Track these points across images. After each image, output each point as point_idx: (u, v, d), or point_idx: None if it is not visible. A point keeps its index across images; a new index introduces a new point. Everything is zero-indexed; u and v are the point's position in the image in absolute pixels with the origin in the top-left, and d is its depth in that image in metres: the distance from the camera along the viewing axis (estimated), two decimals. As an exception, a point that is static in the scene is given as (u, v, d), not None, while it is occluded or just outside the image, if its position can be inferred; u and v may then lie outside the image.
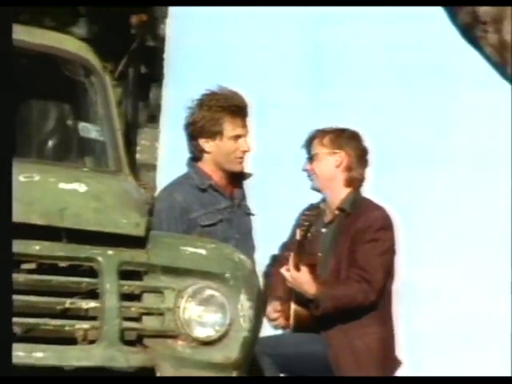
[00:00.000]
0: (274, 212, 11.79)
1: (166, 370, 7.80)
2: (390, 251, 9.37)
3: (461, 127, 13.66)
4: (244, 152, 9.67)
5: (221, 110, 9.73)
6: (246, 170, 9.93)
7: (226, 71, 12.51)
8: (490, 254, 14.35)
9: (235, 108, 9.75)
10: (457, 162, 13.82)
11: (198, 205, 9.49)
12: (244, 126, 9.75)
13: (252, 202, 10.09)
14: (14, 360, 7.56)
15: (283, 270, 9.28)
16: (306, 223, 9.35)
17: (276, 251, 9.98)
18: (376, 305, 9.20)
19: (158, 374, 7.87)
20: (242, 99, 9.89)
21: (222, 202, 9.61)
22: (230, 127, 9.63)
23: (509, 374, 10.47)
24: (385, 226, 9.38)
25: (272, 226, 10.89)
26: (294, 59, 14.40)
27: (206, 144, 9.73)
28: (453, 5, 10.63)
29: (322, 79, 14.56)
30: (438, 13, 10.88)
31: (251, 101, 10.04)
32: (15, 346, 7.61)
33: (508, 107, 11.80)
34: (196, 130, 9.78)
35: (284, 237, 10.05)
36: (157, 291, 7.94)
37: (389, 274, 9.33)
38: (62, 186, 8.22)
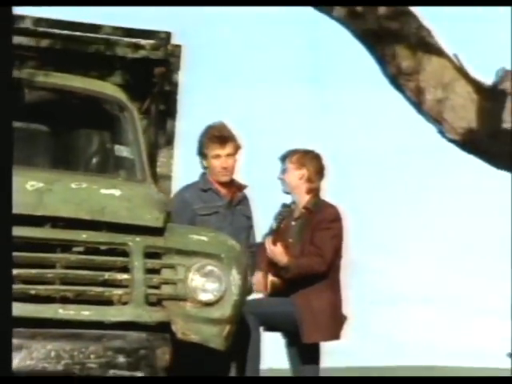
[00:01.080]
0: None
1: (178, 324, 7.83)
2: (339, 236, 9.45)
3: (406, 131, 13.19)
4: (223, 168, 9.71)
5: (206, 137, 9.80)
6: (243, 181, 10.04)
7: (222, 111, 12.31)
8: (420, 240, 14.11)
9: (215, 136, 9.75)
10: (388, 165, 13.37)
11: (199, 200, 9.54)
12: (223, 148, 9.71)
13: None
14: (67, 317, 7.80)
15: (266, 243, 9.43)
16: (280, 217, 9.52)
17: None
18: (327, 275, 9.27)
19: (173, 327, 7.92)
20: (223, 129, 9.89)
21: (218, 201, 9.65)
22: (210, 150, 9.69)
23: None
24: (335, 219, 9.48)
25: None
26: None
27: (203, 162, 9.83)
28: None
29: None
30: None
31: (237, 130, 10.00)
32: (68, 306, 7.83)
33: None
34: (199, 153, 9.88)
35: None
36: (171, 267, 8.08)
37: (337, 252, 9.40)
38: (103, 191, 8.32)
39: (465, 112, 10.21)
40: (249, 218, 9.92)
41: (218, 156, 9.63)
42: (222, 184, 9.70)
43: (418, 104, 10.31)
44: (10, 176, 7.16)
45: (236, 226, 9.57)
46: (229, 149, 9.69)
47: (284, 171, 9.62)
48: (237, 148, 9.79)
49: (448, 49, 10.39)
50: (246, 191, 10.00)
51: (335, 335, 9.27)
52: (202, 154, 9.83)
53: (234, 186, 9.82)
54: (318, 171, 9.57)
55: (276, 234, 9.42)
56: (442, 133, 10.35)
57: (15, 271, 7.71)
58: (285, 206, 9.64)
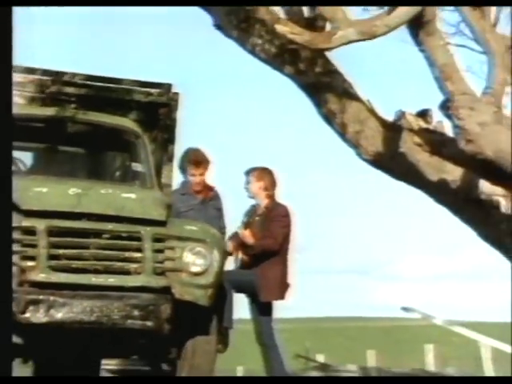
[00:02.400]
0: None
1: (176, 288, 7.84)
2: (288, 226, 9.47)
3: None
4: (196, 183, 9.72)
5: (186, 160, 9.77)
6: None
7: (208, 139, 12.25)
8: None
9: (192, 159, 9.72)
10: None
11: (180, 201, 9.42)
12: (197, 169, 9.72)
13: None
14: (97, 283, 7.79)
15: (239, 231, 9.54)
16: (249, 214, 9.64)
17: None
18: (279, 254, 9.31)
19: (173, 290, 7.87)
20: (198, 154, 9.86)
21: (193, 200, 9.61)
22: (188, 169, 9.68)
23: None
24: (285, 214, 9.50)
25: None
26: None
27: (182, 175, 9.86)
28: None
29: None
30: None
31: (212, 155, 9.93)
32: (98, 275, 7.81)
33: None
34: (179, 168, 9.91)
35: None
36: (172, 248, 8.02)
37: (286, 238, 9.41)
38: (123, 195, 8.31)
39: (374, 140, 10.27)
40: (219, 209, 9.85)
41: (193, 175, 9.67)
42: (197, 191, 9.79)
43: (342, 134, 10.39)
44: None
45: (208, 216, 9.41)
46: (201, 170, 9.71)
47: (248, 183, 9.60)
48: (207, 167, 9.79)
49: (363, 96, 10.36)
50: (219, 189, 9.98)
51: (282, 296, 9.31)
52: (182, 169, 9.84)
53: (206, 188, 9.81)
54: (273, 183, 9.58)
55: (246, 225, 9.52)
56: (359, 155, 10.41)
57: (62, 251, 7.75)
58: (252, 206, 9.70)
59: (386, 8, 9.18)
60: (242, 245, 9.50)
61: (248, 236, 9.38)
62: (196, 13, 10.20)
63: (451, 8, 9.51)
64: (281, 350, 9.19)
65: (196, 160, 9.72)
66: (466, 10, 9.39)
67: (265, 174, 9.62)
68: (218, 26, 10.16)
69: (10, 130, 6.02)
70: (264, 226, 9.49)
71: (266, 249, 9.33)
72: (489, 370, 14.93)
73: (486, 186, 9.76)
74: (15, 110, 9.43)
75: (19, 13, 6.84)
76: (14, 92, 9.62)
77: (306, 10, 9.90)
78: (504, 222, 9.81)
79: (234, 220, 9.95)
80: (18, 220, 7.54)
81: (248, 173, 9.65)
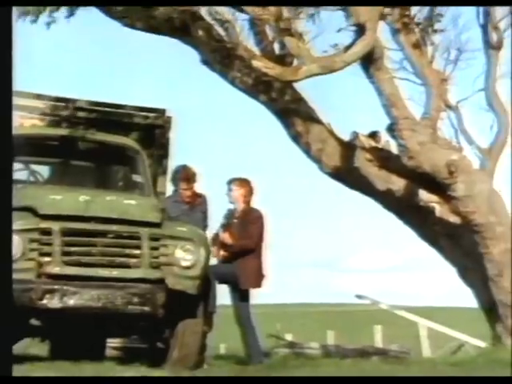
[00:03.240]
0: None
1: (169, 279, 7.71)
2: (261, 228, 9.12)
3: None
4: (186, 196, 9.34)
5: (177, 176, 9.38)
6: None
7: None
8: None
9: (182, 176, 9.32)
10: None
11: (171, 207, 9.02)
12: (187, 184, 9.33)
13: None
14: (104, 275, 7.64)
15: (219, 232, 9.18)
16: (228, 217, 9.30)
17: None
18: (255, 250, 9.00)
19: (166, 281, 7.77)
20: (188, 171, 9.49)
21: (183, 206, 9.22)
22: (179, 184, 9.30)
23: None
24: (259, 217, 9.16)
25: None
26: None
27: (174, 187, 9.45)
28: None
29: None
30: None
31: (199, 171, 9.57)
32: (104, 268, 7.65)
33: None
34: (172, 181, 9.58)
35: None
36: (165, 246, 7.86)
37: (261, 237, 9.09)
38: (125, 201, 8.18)
39: (333, 157, 10.23)
40: (204, 212, 9.49)
41: (184, 189, 9.32)
42: (187, 200, 9.38)
43: (307, 152, 10.39)
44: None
45: (195, 219, 9.07)
46: (190, 184, 9.39)
47: (229, 190, 9.27)
48: (195, 180, 9.43)
49: (324, 120, 10.30)
50: (206, 195, 9.60)
51: (258, 285, 9.10)
52: (174, 183, 9.52)
53: (195, 196, 9.44)
54: (250, 190, 9.25)
55: (225, 226, 9.22)
56: (321, 168, 10.38)
57: (73, 248, 7.65)
58: (230, 210, 9.37)
59: (341, 48, 9.15)
60: (222, 244, 9.19)
61: (227, 238, 9.08)
62: (187, 50, 10.24)
63: (396, 47, 9.56)
64: (256, 331, 9.02)
65: (186, 177, 9.44)
66: (409, 50, 9.46)
67: (244, 183, 9.31)
68: (205, 62, 10.19)
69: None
70: (241, 227, 9.16)
71: (245, 248, 9.05)
72: (425, 347, 14.94)
73: (423, 195, 9.72)
74: (35, 131, 9.45)
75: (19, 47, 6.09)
76: (34, 115, 9.61)
77: (276, 48, 9.83)
78: (438, 225, 9.84)
79: (216, 220, 9.57)
80: (36, 222, 7.58)
81: (230, 182, 9.35)
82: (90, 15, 9.73)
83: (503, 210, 9.29)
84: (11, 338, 4.93)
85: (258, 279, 9.03)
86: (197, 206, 9.45)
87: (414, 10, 9.71)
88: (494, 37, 9.70)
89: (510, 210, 9.58)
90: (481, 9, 9.73)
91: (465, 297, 9.89)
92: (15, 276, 6.97)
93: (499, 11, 9.59)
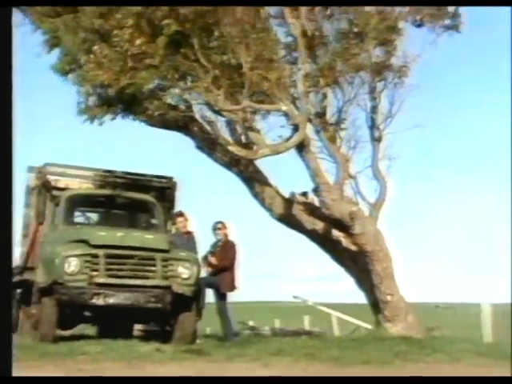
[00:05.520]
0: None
1: (174, 286, 7.69)
2: (235, 253, 8.68)
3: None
4: (183, 232, 8.92)
5: (175, 216, 9.15)
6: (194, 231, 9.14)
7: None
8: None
9: (180, 219, 9.02)
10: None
11: (176, 240, 8.48)
12: (182, 223, 8.97)
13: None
14: (131, 283, 7.46)
15: (208, 256, 8.72)
16: (214, 246, 8.84)
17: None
18: (230, 268, 8.56)
19: (172, 288, 7.63)
20: (184, 215, 9.06)
21: (182, 238, 8.74)
22: (177, 222, 9.05)
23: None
24: (233, 246, 8.72)
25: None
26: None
27: (174, 224, 9.18)
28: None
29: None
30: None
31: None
32: (132, 279, 7.47)
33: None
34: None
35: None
36: (172, 265, 7.81)
37: (234, 259, 8.65)
38: (146, 236, 8.18)
39: (279, 208, 9.97)
40: (194, 242, 8.88)
41: (182, 226, 8.98)
42: (185, 232, 8.99)
43: (263, 204, 10.21)
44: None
45: (189, 247, 8.62)
46: (185, 223, 9.00)
47: (215, 229, 8.83)
48: (187, 220, 9.01)
49: (273, 182, 10.11)
50: (194, 232, 9.07)
51: (232, 290, 8.65)
52: (173, 222, 9.22)
53: (188, 232, 8.95)
54: (228, 229, 8.88)
55: (212, 252, 8.80)
56: (271, 215, 10.13)
57: (112, 266, 7.49)
58: (216, 241, 8.89)
59: (284, 139, 9.14)
60: (209, 264, 8.73)
61: (213, 260, 8.67)
62: (187, 139, 10.13)
63: (318, 139, 9.45)
64: (231, 319, 8.65)
65: (183, 218, 9.09)
66: (325, 141, 9.40)
67: (224, 225, 8.91)
68: (198, 147, 10.16)
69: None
70: (222, 253, 8.71)
71: (224, 266, 8.61)
72: (336, 329, 14.49)
73: (335, 232, 9.81)
74: (89, 191, 9.29)
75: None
76: (88, 181, 9.46)
77: (243, 138, 9.81)
78: (345, 252, 9.79)
79: (203, 249, 9.13)
80: (88, 249, 7.58)
81: (216, 223, 8.90)
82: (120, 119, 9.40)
83: (383, 242, 9.13)
84: (11, 338, 3.95)
85: (232, 286, 8.65)
86: (190, 238, 8.96)
87: (328, 115, 9.57)
88: (376, 134, 9.57)
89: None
90: (369, 115, 9.55)
91: (360, 297, 9.67)
92: (74, 284, 7.34)
93: (380, 117, 9.49)
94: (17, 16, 9.12)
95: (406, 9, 9.10)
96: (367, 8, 8.98)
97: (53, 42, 8.97)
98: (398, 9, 9.05)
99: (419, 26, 9.15)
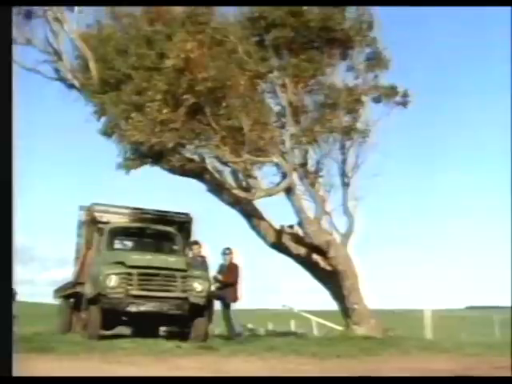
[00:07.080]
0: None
1: (191, 297, 7.64)
2: (239, 273, 8.30)
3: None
4: (198, 256, 8.71)
5: (192, 244, 8.93)
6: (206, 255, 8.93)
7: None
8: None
9: (194, 243, 8.83)
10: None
11: (192, 262, 8.32)
12: (197, 249, 8.77)
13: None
14: (158, 295, 7.30)
15: (218, 275, 8.37)
16: (221, 267, 8.49)
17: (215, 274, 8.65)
18: (234, 284, 8.22)
19: (190, 299, 7.54)
20: (198, 243, 8.84)
21: (197, 261, 8.51)
22: (193, 248, 8.85)
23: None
24: (237, 267, 8.37)
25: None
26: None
27: (191, 250, 8.88)
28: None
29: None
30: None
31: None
32: (159, 292, 7.31)
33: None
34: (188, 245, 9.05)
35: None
36: (189, 281, 7.73)
37: (237, 277, 8.30)
38: (169, 259, 8.11)
39: (272, 237, 9.82)
40: (206, 264, 8.68)
41: (197, 251, 8.77)
42: (200, 256, 8.80)
43: (259, 233, 9.97)
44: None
45: (203, 267, 8.47)
46: (199, 250, 8.82)
47: (224, 254, 8.50)
48: (201, 247, 8.84)
49: (267, 217, 9.97)
50: (206, 256, 8.82)
51: (235, 301, 8.26)
52: (190, 248, 8.95)
53: (201, 256, 8.75)
54: (233, 254, 8.51)
55: (220, 272, 8.45)
56: (266, 243, 9.96)
57: (143, 282, 7.37)
58: (222, 264, 8.54)
59: (275, 184, 9.12)
60: (218, 280, 8.38)
61: (221, 277, 8.33)
62: (200, 184, 9.92)
63: (301, 184, 9.33)
64: (234, 323, 8.24)
65: (198, 244, 8.94)
66: (307, 186, 9.29)
67: (231, 250, 8.59)
68: (209, 190, 10.08)
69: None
70: (228, 272, 8.37)
71: (229, 283, 8.27)
72: (315, 331, 14.01)
73: (315, 256, 9.79)
74: (125, 224, 9.17)
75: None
76: (124, 217, 9.38)
77: (244, 183, 9.74)
78: (322, 271, 9.71)
79: (213, 269, 8.81)
80: (125, 269, 7.60)
81: (225, 249, 8.57)
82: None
83: (351, 263, 9.09)
84: (11, 338, 3.27)
85: (235, 298, 8.35)
86: (203, 261, 8.81)
87: (309, 166, 9.57)
88: (346, 180, 9.57)
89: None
90: (340, 166, 9.47)
91: (334, 305, 9.57)
92: (114, 295, 7.34)
93: (348, 167, 9.45)
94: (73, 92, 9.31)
95: (368, 87, 9.40)
96: (338, 85, 9.31)
97: (101, 112, 9.26)
98: (361, 87, 9.35)
99: (378, 102, 9.47)
